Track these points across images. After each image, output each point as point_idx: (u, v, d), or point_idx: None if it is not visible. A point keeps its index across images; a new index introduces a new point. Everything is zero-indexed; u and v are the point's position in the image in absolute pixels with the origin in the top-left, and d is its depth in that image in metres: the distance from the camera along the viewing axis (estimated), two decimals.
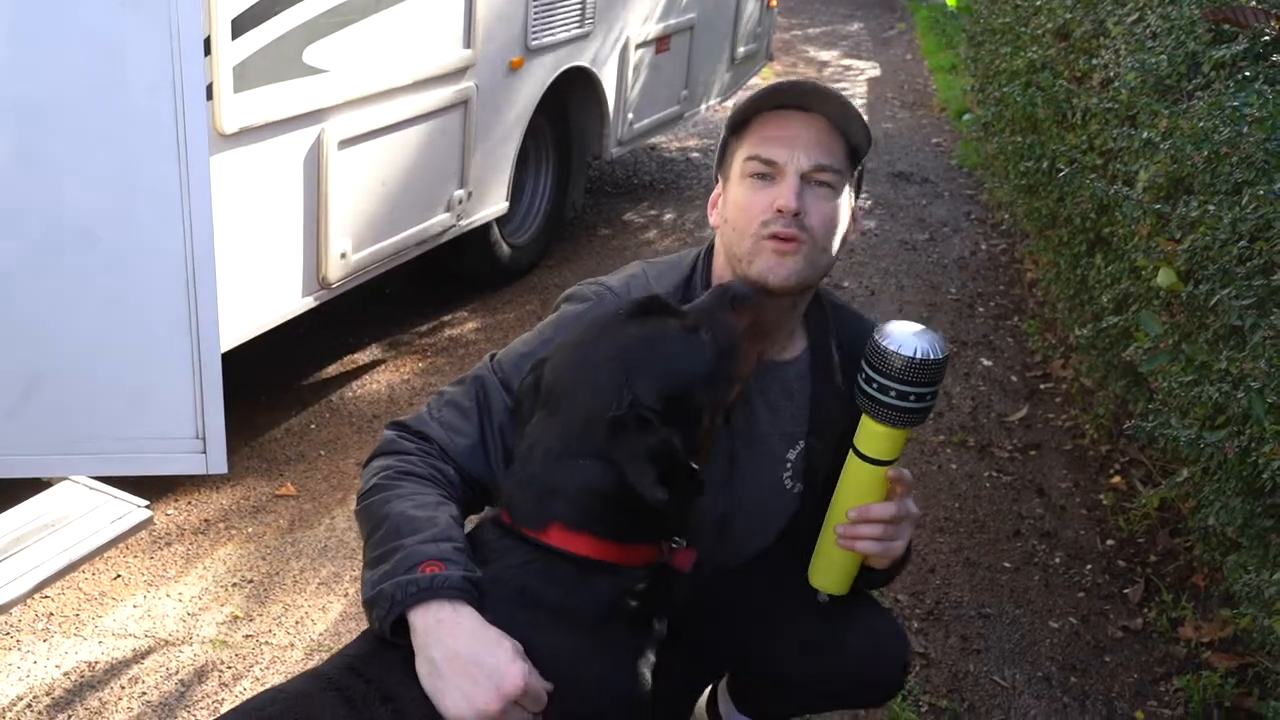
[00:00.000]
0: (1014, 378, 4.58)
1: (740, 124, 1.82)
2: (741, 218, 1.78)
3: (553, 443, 1.55)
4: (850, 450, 1.75)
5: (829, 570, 1.85)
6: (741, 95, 1.91)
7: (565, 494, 1.53)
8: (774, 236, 1.74)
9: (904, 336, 1.67)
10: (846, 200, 1.81)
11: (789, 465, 1.94)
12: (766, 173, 1.76)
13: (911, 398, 1.66)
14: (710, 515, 1.89)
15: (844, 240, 1.84)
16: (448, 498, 1.66)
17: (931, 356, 1.65)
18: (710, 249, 1.92)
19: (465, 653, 1.43)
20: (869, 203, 6.56)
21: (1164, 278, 2.66)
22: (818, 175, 1.76)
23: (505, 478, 1.63)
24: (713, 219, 1.89)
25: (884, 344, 1.67)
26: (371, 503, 1.64)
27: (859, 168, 1.85)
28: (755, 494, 1.93)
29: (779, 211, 1.73)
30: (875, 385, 1.68)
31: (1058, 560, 3.48)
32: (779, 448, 1.93)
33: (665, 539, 1.62)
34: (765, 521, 1.97)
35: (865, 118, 1.84)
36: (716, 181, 1.90)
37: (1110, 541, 3.55)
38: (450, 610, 1.46)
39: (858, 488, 1.76)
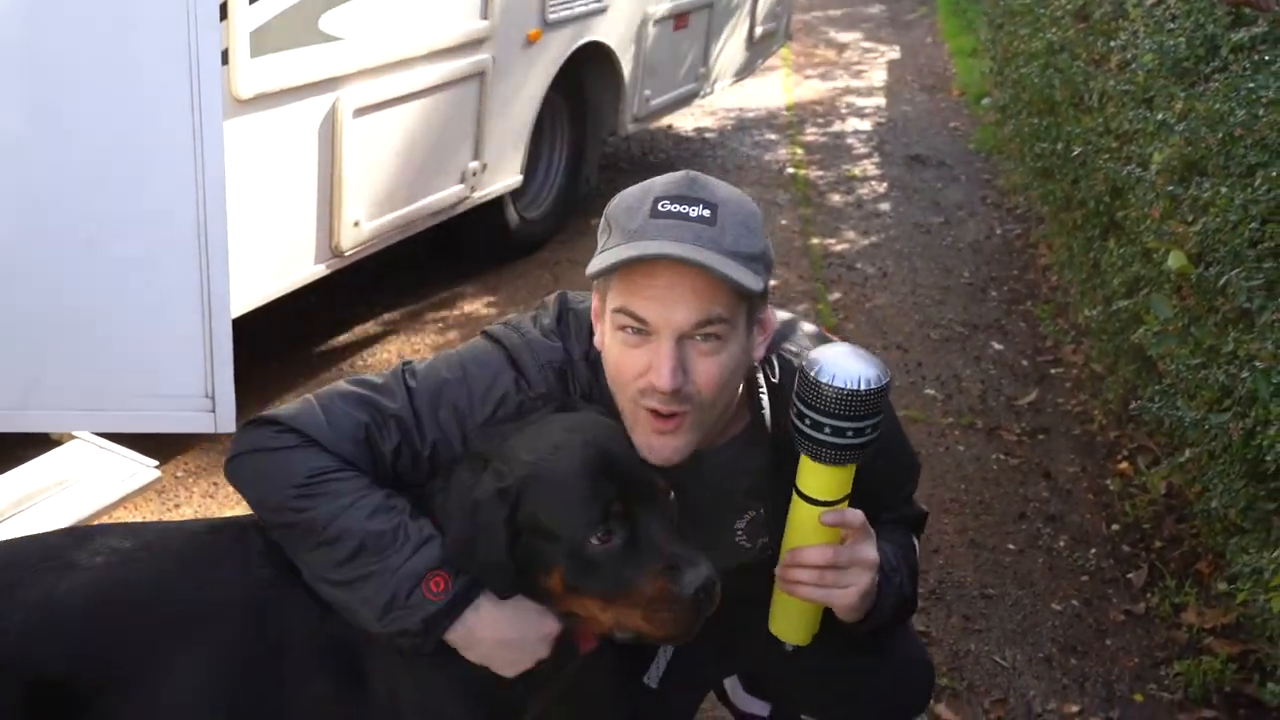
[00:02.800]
0: (1024, 362, 4.57)
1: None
2: (616, 376, 1.61)
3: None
4: (793, 488, 1.60)
5: (783, 617, 1.69)
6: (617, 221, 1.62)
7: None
8: (653, 412, 1.58)
9: (836, 364, 1.48)
10: (742, 335, 1.60)
11: (739, 530, 1.83)
12: (640, 328, 1.56)
13: (849, 433, 1.48)
14: None
15: (753, 361, 1.68)
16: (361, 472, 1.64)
17: (867, 386, 1.46)
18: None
19: (509, 638, 1.59)
20: (884, 186, 6.55)
21: (1174, 260, 2.65)
22: (702, 330, 1.55)
23: None
24: (596, 338, 1.67)
25: (814, 374, 1.49)
26: (304, 518, 1.58)
27: (765, 284, 1.59)
28: None
29: (655, 388, 1.55)
30: (808, 421, 1.50)
31: (1062, 544, 3.48)
32: (726, 517, 1.83)
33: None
34: (737, 580, 1.75)
35: (760, 227, 1.60)
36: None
37: (1115, 527, 3.55)
38: (474, 614, 1.58)
39: (799, 528, 1.60)
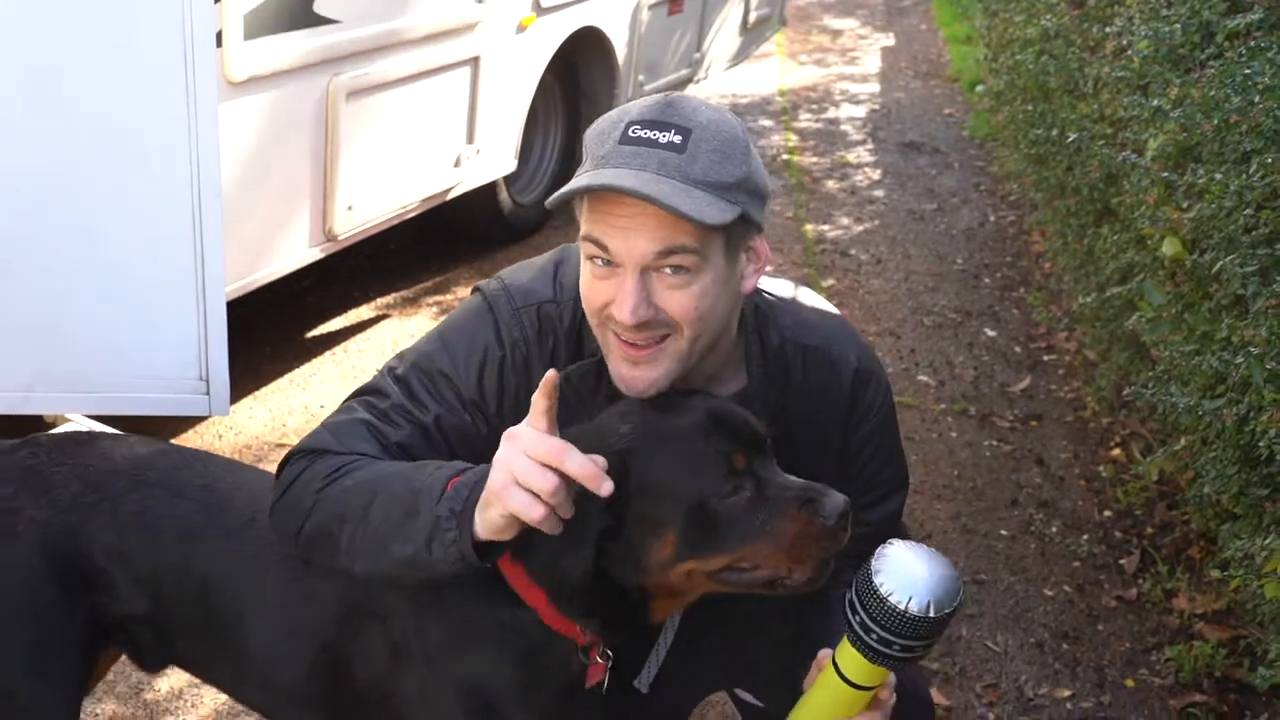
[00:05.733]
0: (1017, 348, 4.58)
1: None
2: (586, 305, 1.57)
3: None
4: (831, 662, 1.49)
5: None
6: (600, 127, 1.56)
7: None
8: (621, 340, 1.53)
9: (905, 576, 1.37)
10: (719, 265, 1.52)
11: None
12: (607, 259, 1.50)
13: (897, 647, 1.39)
14: None
15: (743, 292, 1.60)
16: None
17: (933, 613, 1.36)
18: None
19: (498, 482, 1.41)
20: (878, 172, 6.54)
21: (1169, 247, 2.65)
22: (667, 261, 1.48)
23: None
24: None
25: (877, 581, 1.38)
26: (326, 517, 1.55)
27: (745, 213, 1.51)
28: None
29: (617, 321, 1.51)
30: (859, 620, 1.40)
31: (1054, 530, 3.49)
32: None
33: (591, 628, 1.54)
34: None
35: (748, 153, 1.52)
36: None
37: (1108, 513, 3.56)
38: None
39: (831, 703, 1.50)
